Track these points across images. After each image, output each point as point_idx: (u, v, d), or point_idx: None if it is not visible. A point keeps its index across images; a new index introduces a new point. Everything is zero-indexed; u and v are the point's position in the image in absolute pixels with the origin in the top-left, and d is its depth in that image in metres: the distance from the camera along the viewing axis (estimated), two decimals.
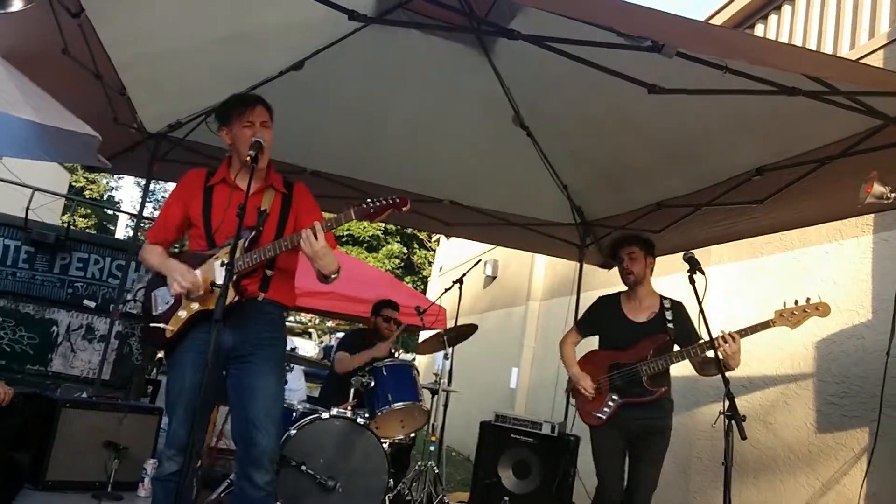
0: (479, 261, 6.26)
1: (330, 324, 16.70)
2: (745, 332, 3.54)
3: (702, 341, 3.63)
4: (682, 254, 3.31)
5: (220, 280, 2.69)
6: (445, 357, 5.18)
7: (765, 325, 3.45)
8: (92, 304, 5.63)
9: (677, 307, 3.89)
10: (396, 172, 5.46)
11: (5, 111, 2.87)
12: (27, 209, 5.43)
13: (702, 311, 3.09)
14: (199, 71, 4.45)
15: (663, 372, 3.78)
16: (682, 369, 6.00)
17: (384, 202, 2.76)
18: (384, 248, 23.24)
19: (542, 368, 9.79)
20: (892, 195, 2.96)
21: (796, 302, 3.45)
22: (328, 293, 7.96)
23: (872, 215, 4.55)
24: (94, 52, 3.61)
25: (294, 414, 4.39)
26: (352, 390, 4.41)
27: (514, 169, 5.43)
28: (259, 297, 2.88)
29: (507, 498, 5.12)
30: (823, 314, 3.38)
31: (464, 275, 5.53)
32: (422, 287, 19.63)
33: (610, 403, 3.81)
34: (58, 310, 5.57)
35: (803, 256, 5.27)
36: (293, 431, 4.04)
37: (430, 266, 18.87)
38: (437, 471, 4.87)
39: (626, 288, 4.02)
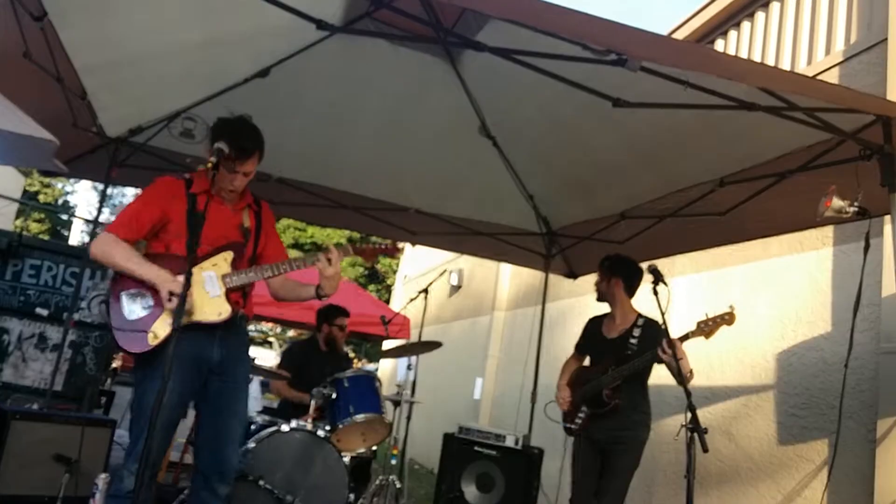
0: (445, 271, 6.23)
1: (291, 333, 16.52)
2: (675, 342, 3.61)
3: (647, 353, 3.77)
4: (646, 265, 3.32)
5: (211, 290, 2.84)
6: (409, 367, 5.13)
7: (685, 337, 3.57)
8: (45, 313, 5.46)
9: (648, 325, 4.01)
10: (363, 180, 5.42)
11: None
12: None
13: (664, 321, 3.11)
14: (163, 76, 4.36)
15: (629, 385, 3.86)
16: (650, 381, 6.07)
17: (380, 246, 3.33)
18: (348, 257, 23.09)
19: (507, 379, 9.79)
20: (851, 209, 3.03)
21: (706, 315, 3.55)
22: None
23: (832, 228, 4.65)
24: (56, 56, 3.51)
25: (252, 426, 4.30)
26: (312, 402, 4.33)
27: (480, 178, 5.41)
28: (240, 312, 2.97)
29: None
30: (729, 323, 3.49)
31: (429, 284, 5.50)
32: (386, 296, 19.53)
33: (581, 415, 4.07)
34: (9, 318, 5.38)
35: (765, 267, 5.34)
36: (251, 444, 3.96)
37: (395, 274, 18.79)
38: (398, 485, 4.81)
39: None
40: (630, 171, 4.60)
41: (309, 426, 4.15)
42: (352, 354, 5.53)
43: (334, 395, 4.30)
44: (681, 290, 6.27)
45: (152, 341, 2.73)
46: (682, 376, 3.03)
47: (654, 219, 4.79)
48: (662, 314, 3.10)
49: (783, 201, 3.90)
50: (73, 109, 3.99)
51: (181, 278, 2.62)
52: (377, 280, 23.48)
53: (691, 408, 2.80)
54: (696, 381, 5.79)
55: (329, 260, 3.00)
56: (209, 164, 2.66)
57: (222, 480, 2.85)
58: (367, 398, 4.33)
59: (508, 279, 10.73)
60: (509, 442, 5.28)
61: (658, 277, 3.15)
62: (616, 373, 3.88)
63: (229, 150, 2.78)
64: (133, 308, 2.77)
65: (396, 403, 4.89)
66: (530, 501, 5.15)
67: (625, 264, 4.16)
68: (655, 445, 5.90)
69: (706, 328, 3.47)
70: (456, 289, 13.19)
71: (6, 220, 17.99)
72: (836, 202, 3.03)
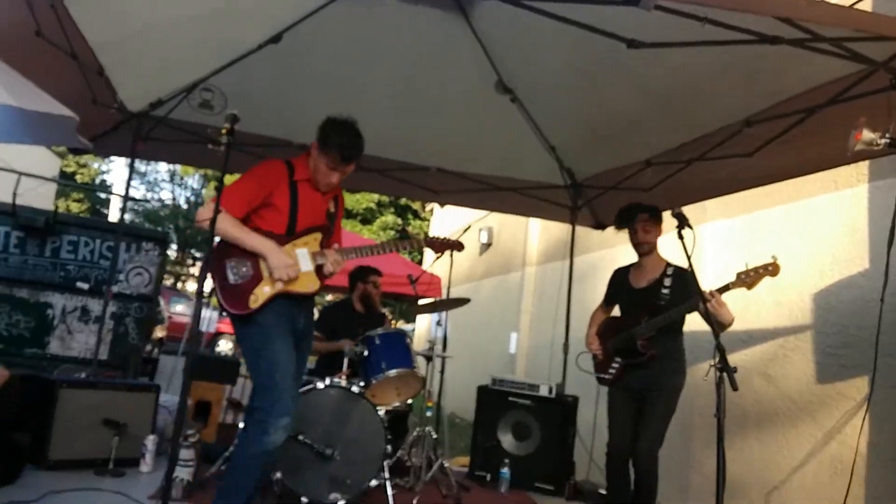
0: (469, 227, 6.23)
1: (329, 297, 16.74)
2: (716, 293, 3.58)
3: (684, 304, 3.76)
4: (670, 211, 3.26)
5: (303, 265, 3.17)
6: (438, 324, 5.18)
7: (725, 288, 3.48)
8: (85, 286, 5.62)
9: (678, 273, 3.97)
10: (382, 142, 5.40)
11: None
12: (14, 194, 5.38)
13: (691, 266, 3.08)
14: (177, 47, 4.39)
15: (663, 334, 3.86)
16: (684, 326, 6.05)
17: (450, 242, 3.95)
18: (378, 220, 23.19)
19: (541, 332, 9.82)
20: (882, 141, 2.94)
21: (746, 265, 3.45)
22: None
23: (867, 164, 4.53)
24: (69, 34, 3.55)
25: None
26: (345, 360, 4.42)
27: (500, 133, 5.37)
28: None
29: (507, 460, 5.17)
30: (773, 274, 3.39)
31: (457, 240, 5.48)
32: (419, 258, 19.61)
33: (614, 365, 4.11)
34: (52, 293, 5.55)
35: (799, 208, 5.24)
36: None
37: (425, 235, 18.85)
38: (434, 436, 4.90)
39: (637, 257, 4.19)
40: (653, 118, 4.52)
41: (343, 383, 4.24)
42: (389, 315, 5.58)
43: (366, 353, 4.38)
44: (714, 237, 6.19)
45: (253, 304, 3.03)
46: (720, 326, 2.96)
47: (681, 164, 4.71)
48: (689, 258, 3.07)
49: (812, 139, 3.80)
50: (91, 86, 4.04)
51: (288, 248, 3.13)
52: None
53: (720, 347, 2.79)
54: (733, 326, 5.76)
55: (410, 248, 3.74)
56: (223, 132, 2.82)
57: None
58: (399, 354, 4.39)
59: (538, 234, 10.70)
60: (543, 391, 5.34)
61: (683, 222, 3.10)
62: (651, 324, 3.87)
63: (337, 155, 3.18)
64: (237, 273, 3.05)
65: (428, 359, 4.95)
66: (567, 448, 5.22)
67: (661, 212, 4.09)
68: (692, 389, 5.88)
69: (747, 279, 3.39)
70: (486, 246, 13.20)
71: (46, 200, 18.41)
72: (867, 135, 2.94)
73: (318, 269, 3.23)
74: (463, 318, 14.44)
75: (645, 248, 4.11)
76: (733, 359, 5.60)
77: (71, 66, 3.74)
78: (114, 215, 21.76)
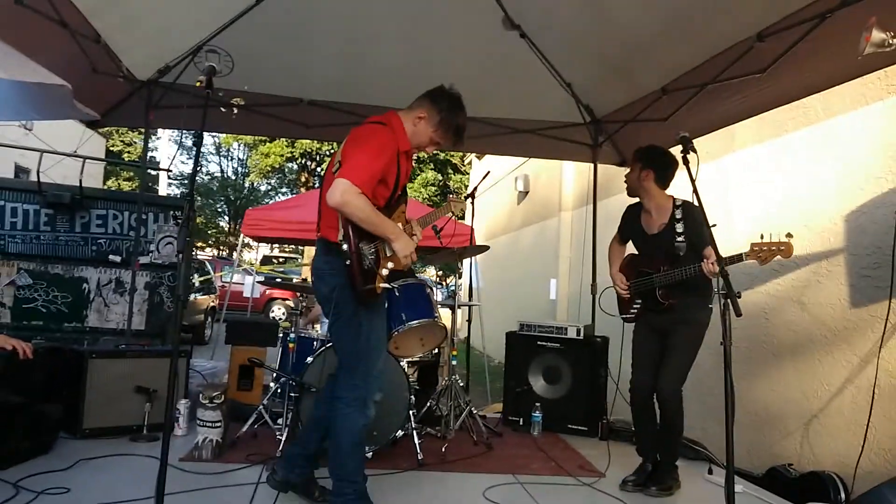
0: (488, 172, 6.10)
1: None
2: (724, 263, 3.41)
3: (691, 267, 3.63)
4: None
5: None
6: (458, 276, 5.12)
7: (738, 258, 3.28)
8: (117, 259, 5.73)
9: (687, 210, 3.80)
10: (392, 92, 5.28)
11: None
12: (38, 172, 5.50)
13: (695, 190, 2.94)
14: (176, 8, 4.35)
15: (683, 280, 3.71)
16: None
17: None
18: (419, 177, 23.13)
19: (580, 277, 9.70)
20: (894, 41, 2.73)
21: (762, 237, 3.23)
22: None
23: None
24: (55, 1, 3.52)
25: (315, 344, 4.47)
26: None
27: (513, 73, 5.21)
28: None
29: (538, 404, 5.15)
30: (785, 255, 3.18)
31: (474, 189, 5.41)
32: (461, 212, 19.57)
33: (635, 306, 4.05)
34: (85, 267, 5.69)
35: (828, 127, 4.99)
36: (310, 360, 4.11)
37: (466, 189, 18.73)
38: (461, 384, 4.90)
39: None
40: (664, 43, 4.32)
41: None
42: (433, 276, 5.53)
43: (387, 305, 4.36)
44: (744, 163, 5.96)
45: (380, 288, 3.01)
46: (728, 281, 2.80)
47: (695, 88, 4.50)
48: (693, 183, 2.92)
49: (827, 49, 3.56)
50: (87, 54, 4.03)
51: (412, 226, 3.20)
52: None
53: (723, 273, 2.66)
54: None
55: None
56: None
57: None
58: (419, 305, 4.37)
59: (572, 179, 10.51)
60: (571, 333, 5.27)
61: (686, 146, 2.94)
62: (667, 276, 3.76)
63: (457, 137, 3.17)
64: (367, 257, 2.95)
65: (452, 308, 4.92)
66: (598, 389, 5.17)
67: (657, 155, 3.93)
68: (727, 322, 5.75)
69: (761, 254, 3.21)
70: (523, 195, 13.05)
71: (96, 181, 18.91)
72: (877, 35, 2.74)
73: None
74: (504, 267, 14.45)
75: (628, 189, 4.05)
76: (766, 288, 5.50)
77: (62, 34, 3.70)
78: (163, 190, 22.25)
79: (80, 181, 5.51)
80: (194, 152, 2.79)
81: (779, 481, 4.59)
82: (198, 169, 2.74)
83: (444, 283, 7.07)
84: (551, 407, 5.20)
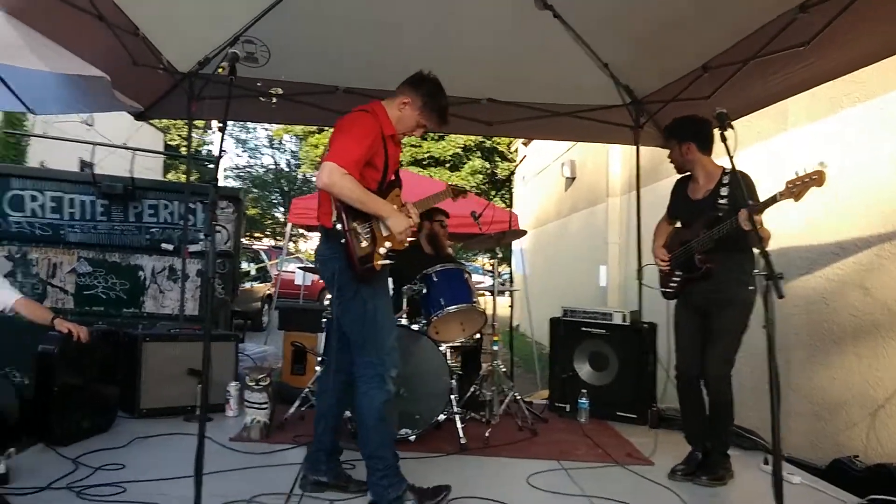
0: (524, 157, 6.05)
1: None
2: (759, 208, 3.28)
3: (727, 222, 3.52)
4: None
5: None
6: (494, 258, 5.07)
7: (772, 200, 3.16)
8: (170, 247, 5.90)
9: (734, 178, 3.66)
10: None
11: (11, 63, 2.96)
12: (91, 163, 5.69)
13: (733, 167, 2.85)
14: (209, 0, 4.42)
15: (724, 247, 3.61)
16: (770, 244, 5.70)
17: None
18: (466, 166, 23.07)
19: (630, 263, 9.57)
20: None
21: (796, 173, 3.10)
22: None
23: None
24: None
25: None
26: (404, 299, 4.45)
27: (549, 55, 5.12)
28: None
29: (584, 391, 5.10)
30: (818, 183, 3.02)
31: (511, 173, 5.40)
32: (509, 199, 19.45)
33: (675, 279, 3.94)
34: (140, 255, 5.87)
35: (887, 102, 4.77)
36: None
37: (513, 177, 18.62)
38: (504, 369, 4.88)
39: None
40: (704, 18, 4.19)
41: (404, 321, 4.28)
42: (484, 264, 5.52)
43: (425, 291, 4.38)
44: (797, 143, 5.75)
45: (378, 267, 3.08)
46: (761, 242, 2.72)
47: (738, 64, 4.35)
48: (731, 159, 2.83)
49: (878, 13, 3.39)
50: (126, 47, 4.12)
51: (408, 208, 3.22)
52: (498, 186, 23.40)
53: (764, 255, 2.56)
54: (824, 237, 5.39)
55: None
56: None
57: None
58: (458, 290, 4.37)
59: (619, 163, 10.33)
60: (617, 319, 5.20)
61: (724, 122, 2.84)
62: (706, 237, 3.66)
63: (440, 117, 3.24)
64: (363, 237, 3.04)
65: (493, 293, 4.90)
66: (647, 376, 5.09)
67: (689, 123, 3.85)
68: (785, 307, 5.59)
69: (794, 189, 3.08)
70: (570, 181, 12.89)
71: (156, 175, 19.48)
72: None
73: None
74: (553, 254, 14.33)
75: (676, 167, 3.98)
76: (826, 272, 5.31)
77: (100, 27, 3.79)
78: (220, 182, 22.75)
79: (132, 172, 5.67)
80: (220, 140, 2.84)
81: (844, 474, 4.41)
82: (221, 155, 2.79)
83: (495, 272, 7.03)
84: (598, 393, 5.14)
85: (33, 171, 6.77)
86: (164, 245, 5.91)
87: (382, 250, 3.09)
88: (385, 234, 3.11)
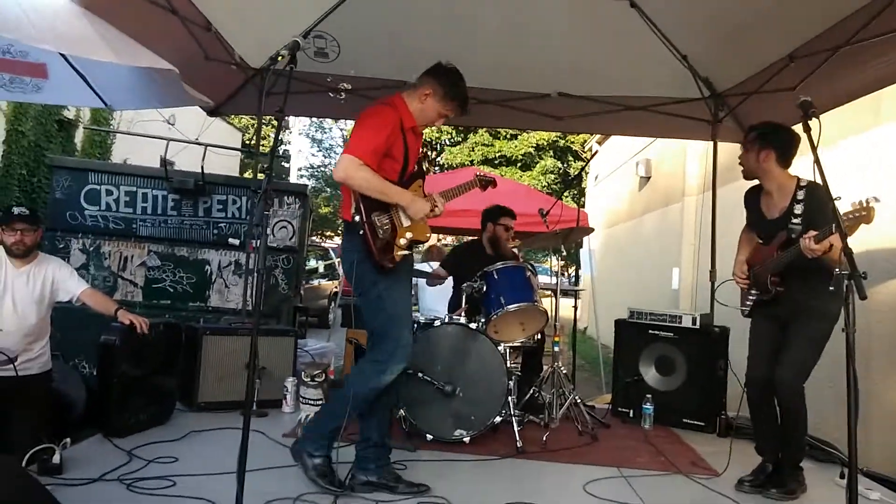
0: (596, 151, 5.88)
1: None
2: (818, 237, 3.07)
3: (791, 250, 3.32)
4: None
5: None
6: (559, 257, 4.91)
7: (828, 232, 2.93)
8: (236, 242, 5.98)
9: (811, 192, 3.41)
10: (495, 72, 5.19)
11: (85, 55, 3.02)
12: (164, 158, 5.83)
13: (817, 160, 2.60)
14: None
15: (798, 266, 3.36)
16: (853, 244, 5.33)
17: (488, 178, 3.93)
18: (538, 165, 22.78)
19: (705, 265, 9.17)
20: None
21: (852, 205, 2.83)
22: (464, 211, 7.97)
23: None
24: None
25: (416, 326, 4.42)
26: (463, 297, 4.35)
27: (623, 47, 4.93)
28: None
29: (649, 396, 4.88)
30: (867, 221, 2.77)
31: (581, 169, 5.20)
32: (582, 199, 19.10)
33: (751, 297, 3.73)
34: (207, 250, 5.97)
35: None
36: None
37: (586, 177, 18.26)
38: (564, 371, 4.71)
39: None
40: (789, 4, 3.93)
41: (462, 319, 4.18)
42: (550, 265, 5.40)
43: (485, 289, 4.27)
44: (892, 138, 5.34)
45: (398, 258, 3.12)
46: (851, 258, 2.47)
47: (828, 52, 4.05)
48: (815, 151, 2.59)
49: None
50: (199, 42, 4.17)
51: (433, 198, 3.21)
52: (571, 185, 23.06)
53: (847, 252, 2.34)
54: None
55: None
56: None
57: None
58: (518, 288, 4.24)
59: (697, 161, 9.93)
60: (686, 322, 4.95)
61: (808, 111, 2.60)
62: (778, 259, 3.43)
63: (460, 106, 3.26)
64: (382, 228, 3.06)
65: (554, 293, 4.74)
66: (717, 382, 4.83)
67: (777, 130, 3.55)
68: (869, 314, 5.22)
69: (848, 223, 2.80)
70: (645, 180, 12.52)
71: (232, 172, 20.05)
72: None
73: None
74: (625, 255, 13.94)
75: (744, 173, 3.66)
76: None
77: (173, 21, 3.85)
78: (294, 178, 23.21)
79: (202, 167, 5.78)
80: (275, 133, 2.84)
81: None
82: (277, 148, 2.76)
83: (558, 270, 6.89)
84: (664, 399, 4.91)
85: (109, 166, 6.98)
86: (230, 240, 6.01)
87: (403, 241, 3.11)
88: (406, 224, 3.14)
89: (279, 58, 2.67)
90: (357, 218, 3.00)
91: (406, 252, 3.14)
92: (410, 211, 3.11)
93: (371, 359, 3.17)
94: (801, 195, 3.45)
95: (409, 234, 3.14)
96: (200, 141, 6.44)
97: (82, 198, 5.78)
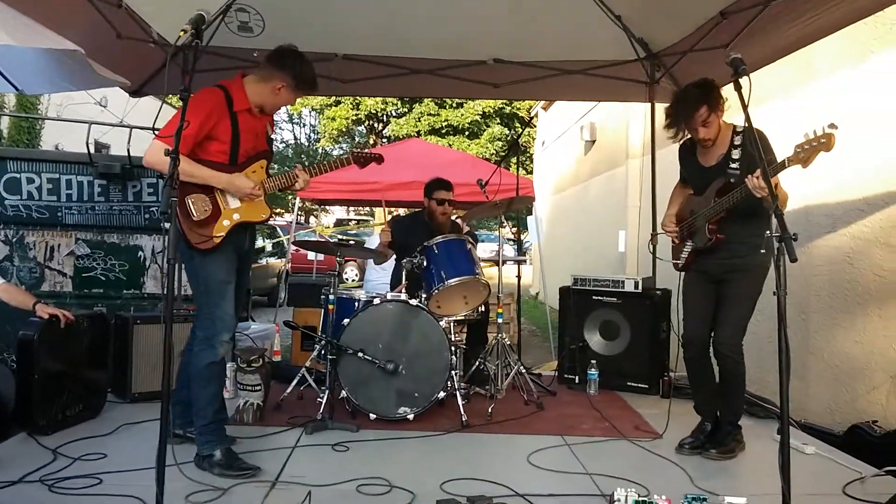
0: (532, 118, 5.82)
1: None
2: (768, 171, 3.00)
3: (737, 191, 3.25)
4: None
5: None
6: (502, 224, 4.84)
7: (781, 166, 2.89)
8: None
9: (746, 136, 3.36)
10: (429, 42, 5.07)
11: None
12: (87, 143, 5.57)
13: (747, 118, 2.58)
14: None
15: (737, 214, 3.37)
16: (792, 201, 5.37)
17: (372, 155, 3.86)
18: (486, 133, 22.69)
19: (650, 228, 9.26)
20: None
21: (805, 136, 2.80)
22: (410, 183, 7.85)
23: None
24: None
25: (357, 304, 4.32)
26: (403, 273, 4.27)
27: (557, 11, 4.85)
28: None
29: (594, 361, 4.90)
30: (827, 148, 2.72)
31: (518, 136, 5.14)
32: (531, 165, 19.10)
33: (686, 250, 3.69)
34: (140, 235, 5.74)
35: None
36: (346, 321, 4.00)
37: (534, 143, 18.26)
38: (508, 342, 4.69)
39: None
40: None
41: (403, 296, 4.11)
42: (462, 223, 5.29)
43: (425, 263, 4.20)
44: (824, 93, 5.39)
45: (217, 239, 3.21)
46: (776, 205, 2.45)
47: (758, 7, 4.04)
48: (745, 108, 2.56)
49: None
50: (109, 20, 3.95)
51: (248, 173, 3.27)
52: (520, 152, 23.06)
53: (777, 214, 2.33)
54: (848, 195, 5.07)
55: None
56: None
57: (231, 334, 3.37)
58: (459, 262, 4.19)
59: (640, 123, 9.97)
60: (628, 287, 4.98)
61: (737, 68, 2.57)
62: (717, 205, 3.39)
63: (307, 90, 3.40)
64: (199, 209, 3.18)
65: (496, 263, 4.69)
66: (660, 345, 4.88)
67: (707, 85, 3.45)
68: (807, 269, 5.33)
69: (802, 154, 2.80)
70: (590, 144, 12.55)
71: None
72: None
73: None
74: (573, 220, 14.02)
75: (710, 143, 3.51)
76: (850, 230, 5.01)
77: (79, 2, 3.63)
78: None
79: (129, 150, 5.52)
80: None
81: (862, 440, 4.20)
82: (182, 127, 2.62)
83: (517, 239, 7.03)
84: (609, 364, 4.95)
85: (29, 153, 6.65)
86: (164, 224, 5.78)
87: (226, 222, 3.21)
88: (234, 205, 3.25)
89: (181, 33, 2.50)
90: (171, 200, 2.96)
91: (222, 234, 3.20)
92: (231, 191, 3.21)
93: (199, 338, 3.29)
94: (738, 140, 3.43)
95: (235, 216, 3.24)
96: (127, 123, 6.18)
97: (1, 187, 5.48)
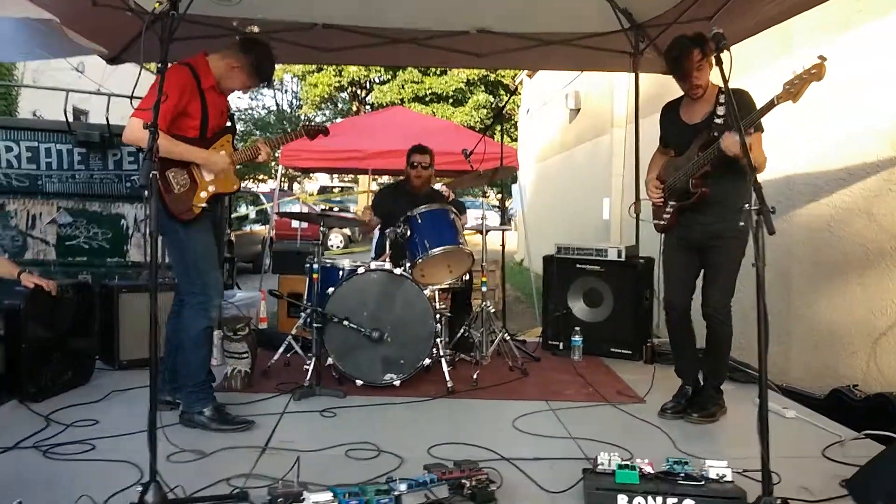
0: (517, 89, 5.80)
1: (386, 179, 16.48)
2: (751, 119, 3.05)
3: (713, 146, 3.27)
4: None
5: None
6: (484, 195, 4.87)
7: (770, 105, 2.91)
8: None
9: (730, 94, 3.37)
10: (411, 11, 4.99)
11: None
12: (65, 111, 5.49)
13: (728, 92, 2.60)
14: None
15: (721, 173, 3.38)
16: (774, 171, 5.39)
17: (319, 128, 3.98)
18: (470, 100, 22.55)
19: (634, 196, 9.31)
20: None
21: (793, 72, 2.82)
22: (393, 151, 7.82)
23: None
24: None
25: (341, 272, 4.33)
26: (387, 242, 4.29)
27: None
28: None
29: (577, 328, 4.97)
30: (818, 77, 2.74)
31: (503, 106, 5.12)
32: (516, 133, 19.05)
33: (668, 209, 3.68)
34: (122, 204, 5.71)
35: None
36: (331, 290, 4.02)
37: (518, 110, 18.17)
38: (492, 310, 4.74)
39: None
40: None
41: (387, 265, 4.13)
42: (446, 191, 5.27)
43: (409, 233, 4.21)
44: (810, 61, 5.40)
45: (196, 210, 3.35)
46: (752, 169, 2.48)
47: None
48: (726, 83, 2.59)
49: None
50: None
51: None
52: (505, 119, 22.96)
53: (756, 187, 2.36)
54: (830, 164, 5.13)
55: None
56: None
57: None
58: (442, 231, 4.20)
59: (625, 92, 9.95)
60: (612, 255, 5.02)
61: (720, 43, 2.58)
62: (700, 159, 3.39)
63: (251, 75, 3.48)
64: (178, 183, 3.30)
65: (480, 232, 4.71)
66: (642, 311, 4.95)
67: (700, 38, 3.43)
68: (789, 237, 5.41)
69: (793, 89, 2.82)
70: (575, 112, 12.52)
71: None
72: None
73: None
74: (558, 187, 14.05)
75: (700, 91, 3.51)
76: (831, 199, 5.08)
77: None
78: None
79: (107, 119, 5.45)
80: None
81: (842, 404, 4.30)
82: (161, 99, 2.60)
83: (502, 207, 7.13)
84: (593, 330, 5.02)
85: (6, 121, 6.56)
86: (146, 192, 5.73)
87: (203, 194, 3.36)
88: (209, 178, 3.38)
89: (157, 4, 2.46)
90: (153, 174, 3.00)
91: (203, 205, 3.35)
92: (207, 167, 3.36)
93: (191, 303, 3.38)
94: (723, 99, 3.43)
95: (211, 188, 3.38)
96: (106, 89, 6.09)
97: None
